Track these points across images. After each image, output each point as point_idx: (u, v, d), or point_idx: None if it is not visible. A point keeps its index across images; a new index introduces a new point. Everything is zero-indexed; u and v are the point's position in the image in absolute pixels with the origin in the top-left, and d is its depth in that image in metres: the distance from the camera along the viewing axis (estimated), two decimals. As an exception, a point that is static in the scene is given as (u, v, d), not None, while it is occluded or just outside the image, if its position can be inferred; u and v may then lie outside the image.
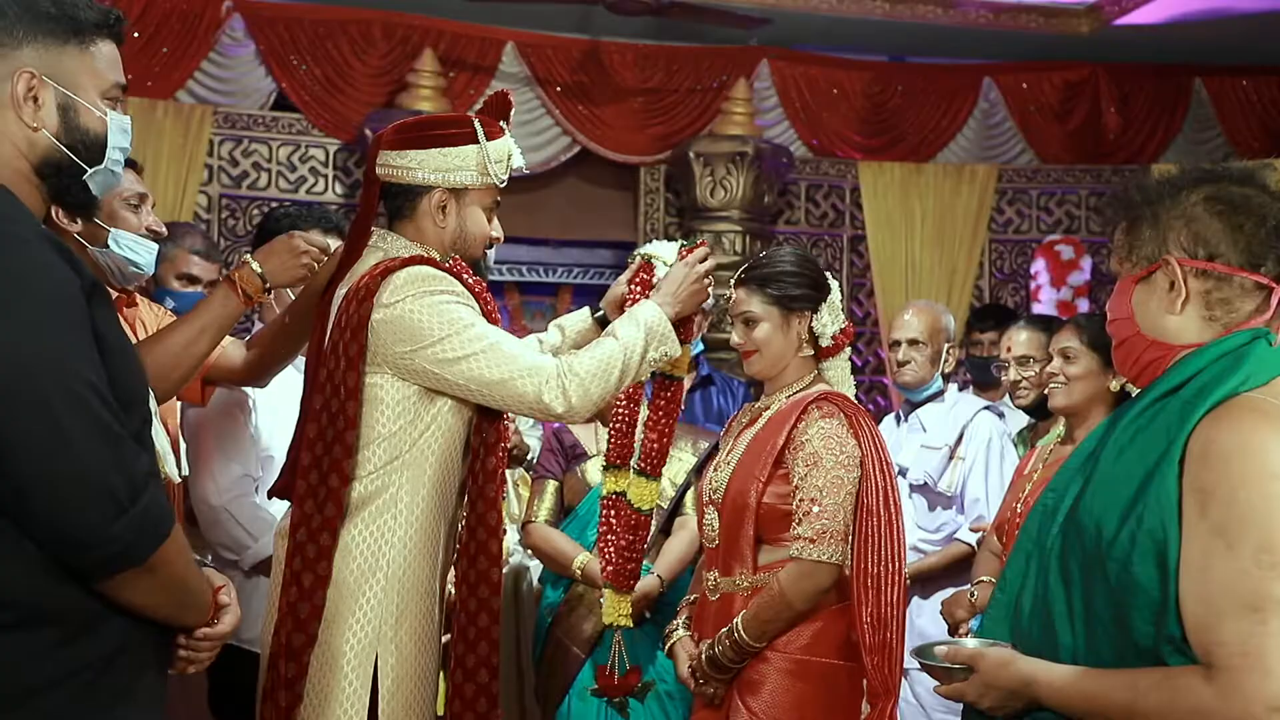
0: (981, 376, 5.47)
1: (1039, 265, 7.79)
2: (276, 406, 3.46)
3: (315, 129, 7.04)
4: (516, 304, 7.90)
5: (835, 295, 3.19)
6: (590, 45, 7.34)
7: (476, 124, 2.70)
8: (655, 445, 3.11)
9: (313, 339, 2.75)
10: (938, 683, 1.98)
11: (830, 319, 3.15)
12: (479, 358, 2.53)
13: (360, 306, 2.55)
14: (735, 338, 3.19)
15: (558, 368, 2.56)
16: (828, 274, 3.23)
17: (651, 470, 3.12)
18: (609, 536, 3.19)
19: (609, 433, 3.21)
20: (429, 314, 2.53)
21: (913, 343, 4.62)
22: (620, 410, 3.17)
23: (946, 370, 4.66)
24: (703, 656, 3.04)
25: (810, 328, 3.14)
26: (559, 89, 7.33)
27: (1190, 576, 1.68)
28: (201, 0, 6.67)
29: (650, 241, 4.89)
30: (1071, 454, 2.04)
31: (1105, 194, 7.95)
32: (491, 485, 2.68)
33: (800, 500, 2.96)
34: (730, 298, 3.23)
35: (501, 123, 2.76)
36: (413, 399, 2.61)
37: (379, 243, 2.70)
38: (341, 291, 2.66)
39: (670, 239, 4.63)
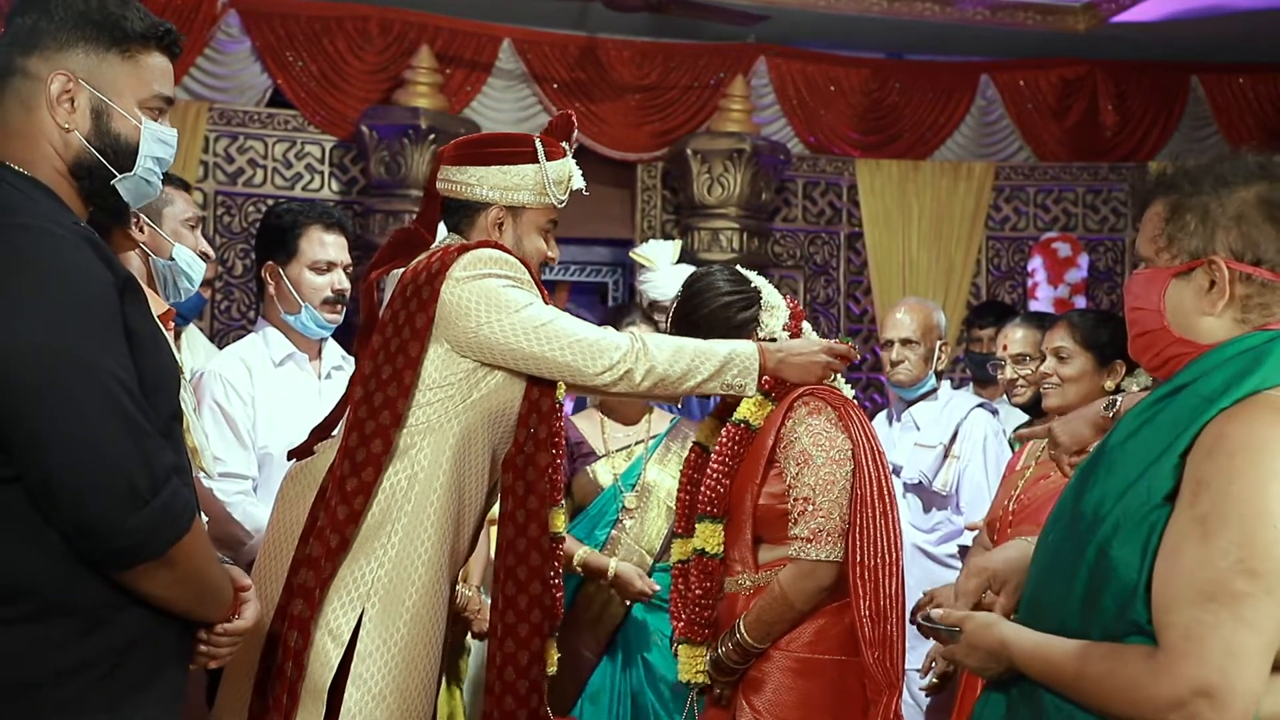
0: (981, 373, 5.47)
1: (1036, 262, 7.80)
2: (274, 405, 3.44)
3: (311, 126, 7.03)
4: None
5: (767, 290, 3.14)
6: (587, 42, 7.33)
7: (538, 143, 2.73)
8: (719, 488, 3.06)
9: (363, 315, 2.82)
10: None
11: (772, 317, 3.09)
12: (546, 329, 2.61)
13: (434, 280, 2.60)
14: None
15: (631, 341, 2.64)
16: (749, 273, 3.19)
17: (715, 513, 3.08)
18: (679, 600, 3.15)
19: (676, 505, 3.24)
20: (496, 293, 2.59)
21: (905, 342, 4.60)
22: (685, 483, 3.20)
23: (940, 368, 4.65)
24: (708, 659, 3.03)
25: (760, 337, 3.07)
26: (556, 86, 7.33)
27: (1163, 559, 1.68)
28: (197, -4, 6.67)
29: (647, 241, 4.93)
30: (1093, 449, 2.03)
31: (1102, 191, 7.97)
32: (545, 454, 2.69)
33: (794, 500, 2.94)
34: None
35: (564, 144, 2.79)
36: (460, 375, 2.65)
37: (445, 240, 2.77)
38: (397, 272, 2.72)
39: (668, 238, 4.64)
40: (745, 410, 3.04)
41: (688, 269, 4.75)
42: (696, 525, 3.09)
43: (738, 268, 3.23)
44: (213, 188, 6.87)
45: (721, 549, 3.07)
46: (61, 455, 1.72)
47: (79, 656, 1.81)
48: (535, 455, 2.68)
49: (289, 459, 2.91)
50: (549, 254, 2.85)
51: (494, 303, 2.59)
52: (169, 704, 1.94)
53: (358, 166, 7.11)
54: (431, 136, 6.68)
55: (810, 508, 2.91)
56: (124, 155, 1.99)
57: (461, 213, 2.75)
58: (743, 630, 2.94)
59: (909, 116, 7.89)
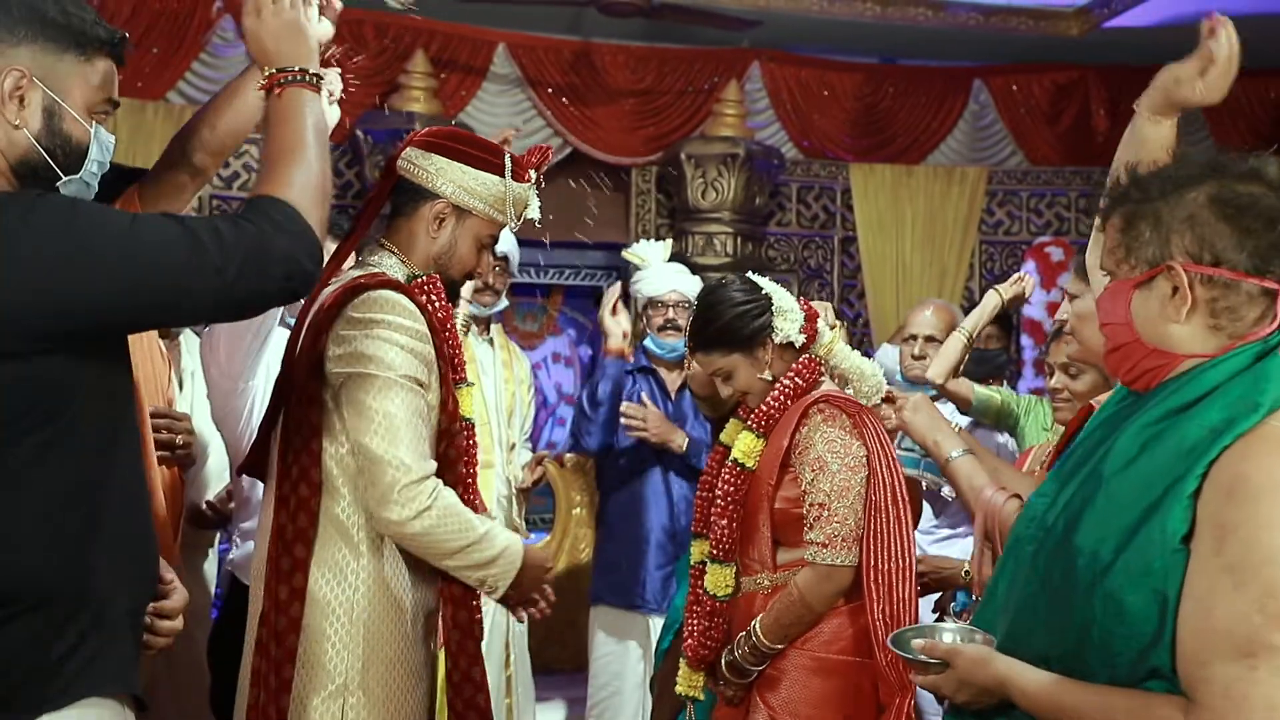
0: (978, 369, 5.51)
1: (1029, 267, 7.81)
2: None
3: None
4: (509, 305, 7.93)
5: (779, 295, 3.16)
6: (582, 46, 7.35)
7: (508, 159, 2.71)
8: (725, 531, 3.10)
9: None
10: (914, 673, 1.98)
11: (787, 322, 3.12)
12: (379, 417, 2.46)
13: (327, 314, 2.53)
14: (723, 392, 3.22)
15: (433, 486, 2.48)
16: (761, 280, 3.21)
17: (724, 556, 3.12)
18: (695, 608, 3.20)
19: (696, 503, 3.27)
20: (371, 345, 2.48)
21: (929, 339, 4.77)
22: (705, 485, 3.23)
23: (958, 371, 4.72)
24: (722, 661, 3.07)
25: (775, 343, 3.12)
26: (550, 90, 7.35)
27: (1191, 609, 1.64)
28: (192, 1, 6.67)
29: (639, 242, 4.96)
30: (1063, 455, 2.00)
31: (1094, 195, 7.98)
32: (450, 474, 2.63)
33: (810, 505, 2.98)
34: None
35: (532, 171, 2.76)
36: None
37: (368, 257, 2.69)
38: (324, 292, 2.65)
39: (659, 239, 4.67)
40: (740, 450, 3.10)
41: (679, 267, 4.79)
42: (707, 567, 3.14)
43: (749, 274, 3.25)
44: (208, 191, 6.88)
45: (730, 591, 3.11)
46: None
47: (57, 649, 1.85)
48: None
49: (238, 475, 2.89)
50: (478, 269, 2.79)
51: (359, 354, 2.49)
52: (126, 674, 1.98)
53: (353, 170, 7.13)
54: (426, 141, 6.69)
55: (826, 513, 2.96)
56: (73, 157, 1.95)
57: (410, 196, 2.69)
58: (759, 633, 2.99)
59: (902, 121, 7.93)
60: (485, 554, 2.53)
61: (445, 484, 2.56)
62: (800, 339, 3.13)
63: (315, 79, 2.13)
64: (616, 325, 4.56)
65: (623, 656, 4.72)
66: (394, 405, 2.46)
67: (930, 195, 7.81)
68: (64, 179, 1.96)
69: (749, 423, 3.13)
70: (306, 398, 2.52)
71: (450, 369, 2.64)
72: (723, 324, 3.12)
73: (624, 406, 4.52)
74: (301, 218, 1.95)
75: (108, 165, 2.03)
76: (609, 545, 4.74)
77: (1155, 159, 2.16)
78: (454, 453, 2.62)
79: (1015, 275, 4.64)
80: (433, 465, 2.51)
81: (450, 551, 2.49)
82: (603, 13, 6.38)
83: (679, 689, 3.22)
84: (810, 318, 3.18)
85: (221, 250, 1.84)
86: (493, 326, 4.79)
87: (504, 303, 4.76)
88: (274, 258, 1.89)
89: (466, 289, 4.33)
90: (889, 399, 3.12)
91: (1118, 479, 1.77)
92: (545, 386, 7.78)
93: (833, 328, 3.34)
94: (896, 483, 3.01)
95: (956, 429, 2.78)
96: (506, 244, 4.62)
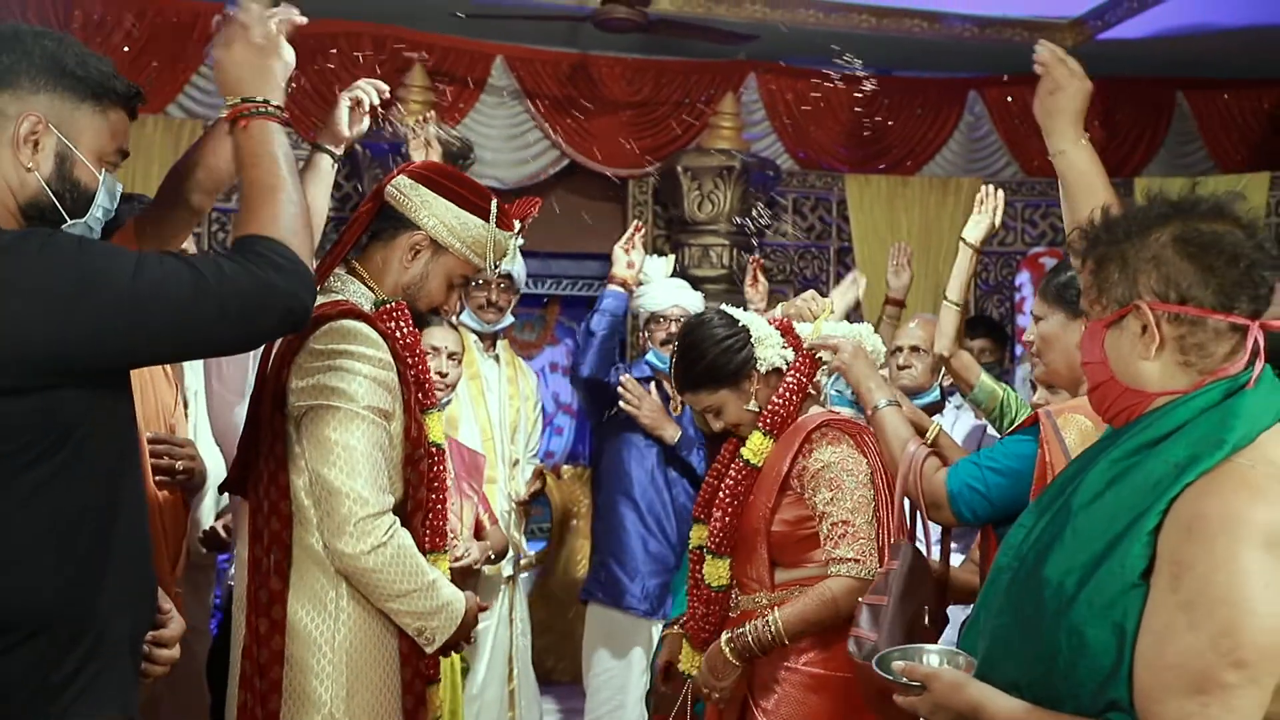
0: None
1: (1023, 277, 7.86)
2: None
3: (305, 142, 7.03)
4: (512, 306, 7.95)
5: (755, 324, 3.20)
6: (579, 59, 7.39)
7: (494, 205, 2.71)
8: (721, 524, 3.15)
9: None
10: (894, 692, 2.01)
11: (768, 349, 3.18)
12: (339, 449, 2.47)
13: (289, 345, 2.54)
14: (714, 427, 3.26)
15: (390, 523, 2.48)
16: (736, 311, 3.25)
17: (718, 549, 3.16)
18: (694, 592, 3.25)
19: (703, 487, 3.32)
20: (333, 376, 2.49)
21: (914, 349, 4.80)
22: (718, 468, 3.27)
23: (946, 384, 4.75)
24: (725, 647, 3.05)
25: (761, 373, 3.17)
26: (548, 102, 7.39)
27: (1147, 644, 1.67)
28: (191, 14, 6.70)
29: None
30: (1044, 490, 2.03)
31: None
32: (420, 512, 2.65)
33: (833, 524, 3.01)
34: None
35: (517, 222, 2.76)
36: None
37: (333, 283, 2.68)
38: None
39: (659, 253, 4.70)
40: (749, 449, 3.14)
41: (681, 282, 4.83)
42: (706, 558, 3.18)
43: (723, 307, 3.29)
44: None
45: (726, 582, 3.16)
46: None
47: (60, 672, 1.90)
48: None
49: (220, 492, 2.90)
50: (445, 306, 2.80)
51: (321, 385, 2.49)
52: (124, 697, 2.02)
53: (351, 183, 7.16)
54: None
55: (851, 530, 2.99)
56: (80, 202, 2.03)
57: (392, 222, 2.70)
58: (779, 625, 2.99)
59: (898, 132, 7.96)
60: (428, 604, 2.52)
61: (409, 509, 2.59)
62: (784, 362, 3.18)
63: (279, 110, 2.18)
64: (623, 254, 4.53)
65: (625, 671, 4.71)
66: (354, 438, 2.46)
67: (925, 206, 7.84)
68: (69, 222, 2.03)
69: (760, 423, 3.16)
70: (272, 431, 2.54)
71: (417, 394, 2.64)
72: (708, 362, 3.15)
73: (624, 378, 4.55)
74: (295, 254, 2.01)
75: (114, 211, 2.11)
76: (600, 541, 4.77)
77: (1100, 184, 2.38)
78: (417, 478, 2.62)
79: (973, 215, 4.27)
80: (391, 500, 2.52)
81: (396, 594, 2.49)
82: (599, 28, 6.42)
83: (682, 668, 3.25)
84: (783, 329, 3.23)
85: (223, 288, 1.90)
86: (499, 343, 4.80)
87: (509, 319, 4.77)
88: (274, 295, 1.95)
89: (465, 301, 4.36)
90: (831, 346, 3.14)
91: (1085, 513, 1.81)
92: (543, 396, 7.78)
93: (819, 316, 3.46)
94: (894, 500, 3.04)
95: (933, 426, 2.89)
96: (519, 268, 4.65)
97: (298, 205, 2.08)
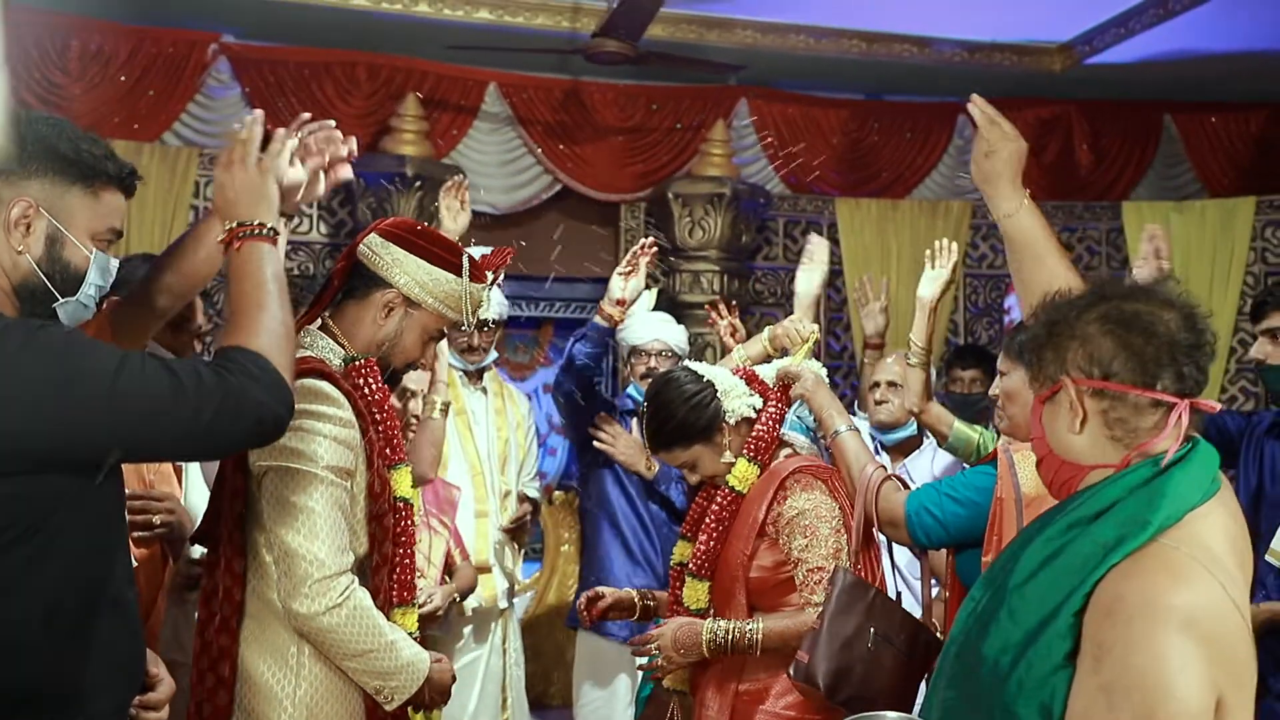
0: (962, 414, 5.54)
1: (1012, 300, 7.88)
2: None
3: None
4: (500, 337, 7.99)
5: (720, 378, 3.24)
6: (571, 85, 7.44)
7: (466, 260, 2.73)
8: (705, 548, 3.21)
9: None
10: None
11: (735, 400, 3.22)
12: (299, 512, 2.49)
13: None
14: (691, 480, 3.32)
15: (346, 584, 2.49)
16: (700, 366, 3.30)
17: (699, 572, 3.21)
18: (675, 608, 3.29)
19: (691, 508, 3.37)
20: (295, 438, 2.48)
21: (891, 385, 4.81)
22: (709, 490, 3.31)
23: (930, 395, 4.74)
24: (704, 637, 3.09)
25: (731, 424, 3.21)
26: (540, 128, 7.44)
27: None
28: (187, 43, 6.76)
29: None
30: (993, 562, 2.09)
31: (1078, 229, 8.07)
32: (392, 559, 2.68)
33: (809, 570, 3.05)
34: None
35: (490, 273, 2.79)
36: None
37: (303, 339, 2.69)
38: None
39: (650, 278, 4.70)
40: (734, 476, 3.19)
41: (665, 316, 4.85)
42: (686, 580, 3.23)
43: (687, 364, 3.35)
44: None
45: (704, 605, 3.21)
46: None
47: None
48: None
49: (191, 544, 2.92)
50: (420, 360, 2.84)
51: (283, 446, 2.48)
52: None
53: (345, 210, 7.20)
54: (417, 183, 6.80)
55: (826, 575, 3.02)
56: (70, 282, 2.08)
57: (364, 281, 2.71)
58: (760, 636, 3.05)
59: (888, 156, 8.01)
60: (386, 664, 2.53)
61: (375, 564, 2.61)
62: (751, 410, 3.23)
63: (272, 232, 2.24)
64: (619, 282, 4.35)
65: (610, 700, 4.71)
66: (314, 500, 2.48)
67: (916, 229, 7.85)
68: (61, 300, 2.08)
69: (745, 449, 3.21)
70: (231, 490, 2.56)
71: (384, 449, 2.66)
72: (678, 420, 3.19)
73: (599, 419, 4.54)
74: (273, 366, 2.06)
75: (107, 288, 2.16)
76: (585, 569, 4.78)
77: (1047, 246, 2.54)
78: (382, 533, 2.63)
79: (926, 271, 4.21)
80: (350, 559, 2.53)
81: (352, 653, 2.51)
82: (589, 60, 6.48)
83: (666, 684, 3.28)
84: (747, 376, 3.29)
85: (200, 394, 1.95)
86: (485, 375, 4.83)
87: (494, 355, 4.80)
88: (248, 404, 2.00)
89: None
90: (795, 376, 3.27)
91: (1018, 592, 1.86)
92: (536, 418, 7.81)
93: (806, 340, 3.58)
94: (865, 538, 3.12)
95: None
96: (496, 307, 4.67)
97: (281, 324, 2.15)
